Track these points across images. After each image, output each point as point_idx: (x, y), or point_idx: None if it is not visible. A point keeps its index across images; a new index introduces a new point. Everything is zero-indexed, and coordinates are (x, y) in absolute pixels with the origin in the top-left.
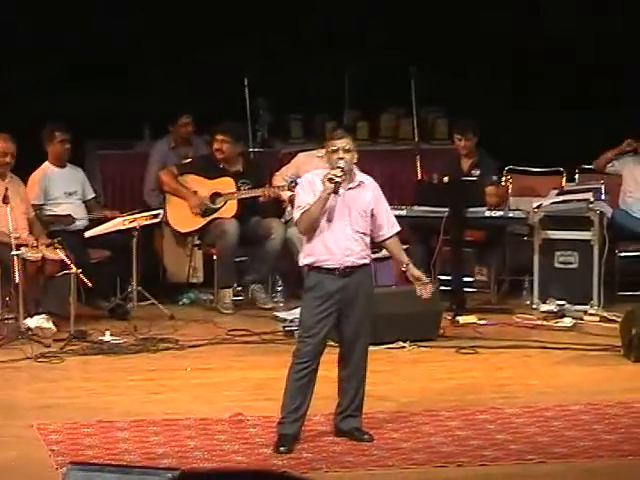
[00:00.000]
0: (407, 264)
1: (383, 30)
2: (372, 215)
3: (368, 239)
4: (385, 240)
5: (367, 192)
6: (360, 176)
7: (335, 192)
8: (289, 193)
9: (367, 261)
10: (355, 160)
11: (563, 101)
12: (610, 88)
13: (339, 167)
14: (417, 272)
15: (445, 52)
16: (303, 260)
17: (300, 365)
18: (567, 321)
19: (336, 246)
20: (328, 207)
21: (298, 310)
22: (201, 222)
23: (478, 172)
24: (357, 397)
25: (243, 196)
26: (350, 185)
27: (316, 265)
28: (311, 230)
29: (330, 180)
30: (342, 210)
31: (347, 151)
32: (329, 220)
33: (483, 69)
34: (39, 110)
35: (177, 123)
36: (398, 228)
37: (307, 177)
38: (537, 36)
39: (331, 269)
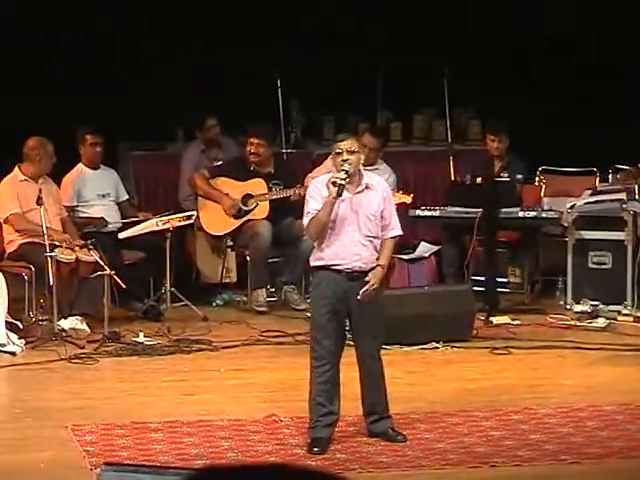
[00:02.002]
0: (379, 265)
1: (417, 31)
2: (382, 217)
3: (379, 241)
4: (382, 240)
5: (375, 195)
6: (367, 179)
7: (339, 195)
8: None
9: (375, 265)
10: (362, 161)
11: (599, 100)
12: None
13: (343, 170)
14: (375, 274)
15: (477, 52)
16: (312, 262)
17: (320, 368)
18: (601, 321)
19: (344, 252)
20: (336, 212)
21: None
22: (234, 224)
23: (507, 174)
24: (381, 399)
25: (275, 197)
26: (357, 189)
27: (324, 267)
28: (320, 235)
29: (334, 184)
30: (350, 215)
31: (352, 153)
32: (337, 226)
33: (516, 69)
34: (72, 111)
35: (203, 127)
36: (398, 232)
37: (314, 184)
38: (577, 33)
39: (339, 271)
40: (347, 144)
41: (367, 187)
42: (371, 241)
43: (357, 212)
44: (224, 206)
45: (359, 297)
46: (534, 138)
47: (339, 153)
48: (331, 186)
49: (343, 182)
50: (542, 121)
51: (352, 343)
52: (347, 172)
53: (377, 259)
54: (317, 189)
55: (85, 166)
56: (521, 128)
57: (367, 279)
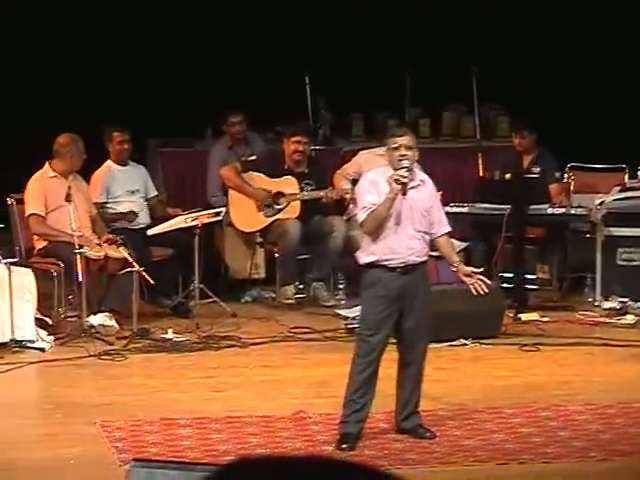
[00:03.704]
0: (457, 263)
1: (445, 28)
2: (430, 213)
3: (428, 237)
4: (436, 238)
5: (427, 191)
6: (420, 175)
7: (403, 193)
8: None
9: (426, 259)
10: (416, 158)
11: (625, 96)
12: None
13: (404, 167)
14: (467, 269)
15: (503, 49)
16: (364, 258)
17: (362, 365)
18: (629, 318)
19: (400, 246)
20: (394, 207)
21: (360, 308)
22: (264, 222)
23: (539, 169)
24: (415, 394)
25: (306, 198)
26: (412, 184)
27: (377, 264)
28: (378, 231)
29: (397, 181)
30: (405, 210)
31: (409, 148)
32: (394, 220)
33: (545, 65)
34: (102, 108)
35: (228, 123)
36: (449, 228)
37: (369, 176)
38: (597, 33)
39: (392, 267)
40: (405, 139)
41: (420, 183)
42: (423, 236)
43: (412, 207)
44: (257, 198)
45: (481, 292)
46: (562, 134)
47: (396, 148)
48: (394, 183)
49: (406, 180)
50: (571, 117)
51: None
52: (408, 168)
53: (451, 262)
54: (372, 182)
55: (114, 163)
56: (549, 124)
57: (469, 275)
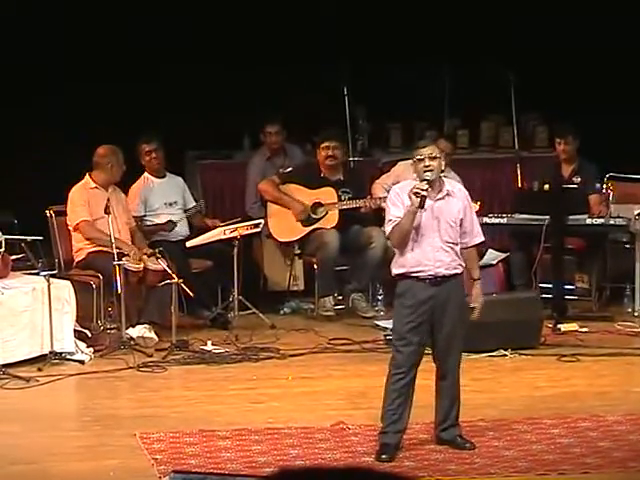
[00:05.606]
0: (476, 280)
1: (483, 37)
2: (461, 224)
3: (459, 247)
4: (465, 248)
5: (456, 202)
6: (449, 185)
7: (421, 207)
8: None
9: (459, 271)
10: (443, 167)
11: None
12: None
13: (425, 179)
14: (478, 293)
15: (543, 58)
16: (395, 270)
17: (397, 375)
18: None
19: (426, 258)
20: (417, 220)
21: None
22: (303, 231)
23: (579, 179)
24: (454, 406)
25: (344, 207)
26: (438, 196)
27: (407, 275)
28: (403, 243)
29: (416, 194)
30: (431, 222)
31: (433, 159)
32: (418, 232)
33: (583, 75)
34: (140, 121)
35: (265, 133)
36: (481, 239)
37: (395, 190)
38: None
39: (422, 278)
40: (429, 150)
41: (448, 194)
42: (452, 247)
43: (438, 219)
44: (295, 211)
45: (474, 317)
46: (601, 144)
47: (421, 159)
48: (413, 196)
49: (425, 193)
50: (610, 127)
51: (429, 351)
52: (429, 182)
53: (471, 275)
54: (398, 195)
55: (150, 175)
56: (588, 134)
57: (473, 305)
